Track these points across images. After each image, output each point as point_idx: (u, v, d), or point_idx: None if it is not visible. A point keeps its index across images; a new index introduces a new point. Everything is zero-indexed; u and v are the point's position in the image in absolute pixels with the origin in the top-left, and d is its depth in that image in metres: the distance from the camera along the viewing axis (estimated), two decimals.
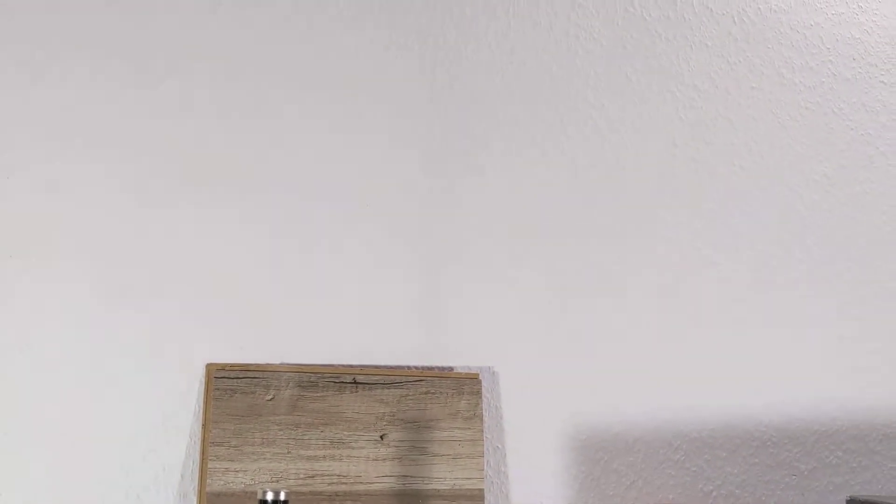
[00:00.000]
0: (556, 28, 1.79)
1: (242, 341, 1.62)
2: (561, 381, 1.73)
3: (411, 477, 1.63)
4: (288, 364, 1.63)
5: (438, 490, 1.63)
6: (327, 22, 1.70)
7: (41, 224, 1.58)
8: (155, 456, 1.57)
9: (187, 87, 1.64)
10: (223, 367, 1.59)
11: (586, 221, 1.78)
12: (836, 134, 1.88)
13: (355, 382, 1.63)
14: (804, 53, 1.88)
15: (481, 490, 1.65)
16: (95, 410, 1.56)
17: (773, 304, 1.83)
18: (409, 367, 1.67)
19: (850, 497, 1.69)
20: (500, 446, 1.71)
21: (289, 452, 1.59)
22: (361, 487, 1.60)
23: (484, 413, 1.69)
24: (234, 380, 1.59)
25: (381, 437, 1.63)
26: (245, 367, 1.60)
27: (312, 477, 1.59)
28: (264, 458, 1.57)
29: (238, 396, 1.58)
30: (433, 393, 1.66)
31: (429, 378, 1.66)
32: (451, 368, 1.69)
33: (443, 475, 1.64)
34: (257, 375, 1.60)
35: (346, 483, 1.60)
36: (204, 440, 1.57)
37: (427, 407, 1.65)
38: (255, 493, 1.54)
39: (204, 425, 1.58)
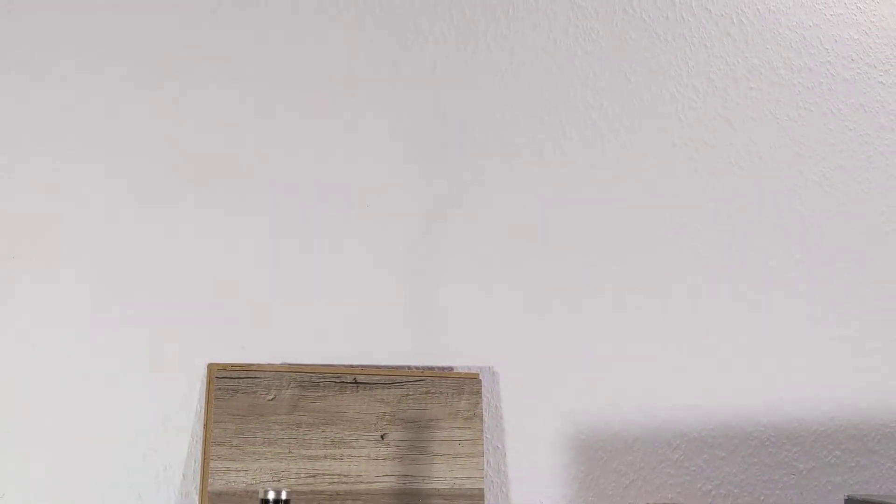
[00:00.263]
0: (555, 29, 1.80)
1: (244, 341, 1.62)
2: (560, 381, 1.74)
3: (411, 476, 1.63)
4: (289, 364, 1.63)
5: (438, 489, 1.63)
6: (327, 22, 1.71)
7: (42, 224, 1.58)
8: (156, 455, 1.58)
9: (187, 87, 1.64)
10: (224, 367, 1.59)
11: (586, 221, 1.78)
12: (835, 134, 1.89)
13: (356, 382, 1.63)
14: (803, 54, 1.89)
15: (481, 489, 1.65)
16: (97, 410, 1.56)
17: (771, 303, 1.83)
18: (409, 367, 1.68)
19: (848, 496, 1.69)
20: (499, 446, 1.71)
21: (290, 452, 1.59)
22: (362, 487, 1.61)
23: (484, 413, 1.70)
24: (236, 380, 1.59)
25: (382, 436, 1.63)
26: (246, 367, 1.60)
27: (313, 476, 1.59)
28: (265, 458, 1.58)
29: (239, 396, 1.58)
30: (433, 393, 1.66)
31: (429, 378, 1.67)
32: (451, 368, 1.69)
33: (443, 475, 1.64)
34: (258, 375, 1.60)
35: (346, 482, 1.60)
36: (205, 440, 1.57)
37: (427, 407, 1.65)
38: (257, 493, 1.54)
39: (205, 425, 1.58)
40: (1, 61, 1.58)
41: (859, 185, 1.89)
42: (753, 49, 1.87)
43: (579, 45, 1.80)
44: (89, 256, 1.59)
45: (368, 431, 1.62)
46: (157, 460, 1.57)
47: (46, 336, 1.56)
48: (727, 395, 1.79)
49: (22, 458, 1.53)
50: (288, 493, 1.32)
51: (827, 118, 1.89)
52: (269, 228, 1.66)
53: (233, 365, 1.60)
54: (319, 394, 1.62)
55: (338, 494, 1.59)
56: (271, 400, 1.60)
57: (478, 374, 1.69)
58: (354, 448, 1.61)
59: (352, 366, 1.65)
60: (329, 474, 1.60)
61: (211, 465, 1.55)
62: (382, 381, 1.64)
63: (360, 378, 1.64)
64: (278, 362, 1.63)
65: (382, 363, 1.67)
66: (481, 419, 1.68)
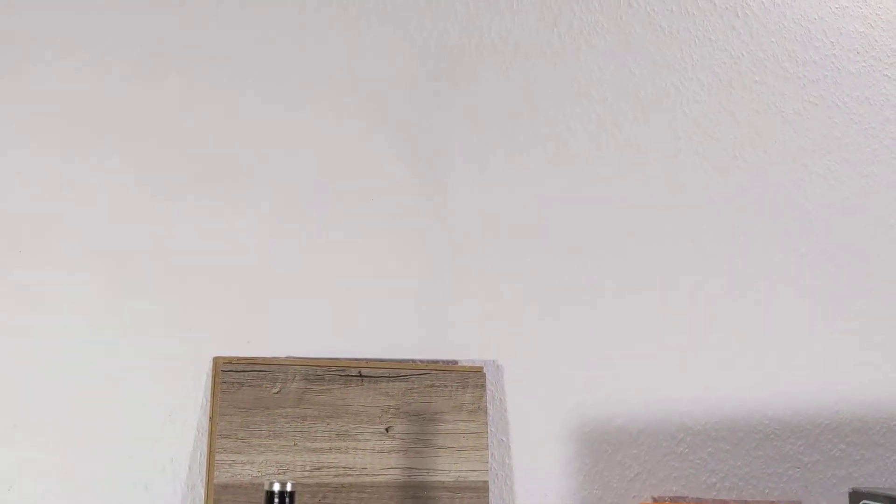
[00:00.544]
0: (559, 23, 1.80)
1: (249, 335, 1.63)
2: (564, 374, 1.74)
3: (416, 469, 1.63)
4: (294, 357, 1.64)
5: (443, 482, 1.64)
6: (330, 20, 1.71)
7: (49, 218, 1.59)
8: (163, 448, 1.58)
9: (193, 81, 1.65)
10: (230, 361, 1.60)
11: (590, 215, 1.78)
12: (840, 128, 1.89)
13: (361, 376, 1.64)
14: (807, 47, 1.88)
15: (486, 482, 1.66)
16: (103, 403, 1.57)
17: (776, 297, 1.83)
18: (413, 361, 1.68)
19: (852, 489, 1.69)
20: (504, 439, 1.71)
21: (295, 445, 1.60)
22: (367, 479, 1.61)
23: (488, 406, 1.70)
24: (241, 373, 1.60)
25: (387, 429, 1.64)
26: (252, 361, 1.61)
27: (319, 469, 1.60)
28: (271, 451, 1.59)
29: (245, 389, 1.59)
30: (438, 386, 1.67)
31: (433, 371, 1.67)
32: (455, 362, 1.70)
33: (447, 467, 1.65)
34: (264, 369, 1.61)
35: (351, 475, 1.61)
36: (211, 432, 1.58)
37: (432, 400, 1.66)
38: (262, 485, 1.55)
39: (211, 418, 1.59)
40: (8, 56, 1.59)
41: (864, 178, 1.89)
42: (758, 42, 1.86)
43: (584, 39, 1.81)
44: (97, 250, 1.60)
45: (373, 424, 1.63)
46: (164, 453, 1.58)
47: (54, 329, 1.57)
48: (732, 388, 1.79)
49: (30, 449, 1.54)
50: (293, 486, 1.33)
51: (832, 111, 1.88)
52: (274, 223, 1.67)
53: (238, 358, 1.61)
54: (325, 387, 1.62)
55: (343, 487, 1.60)
56: (277, 393, 1.60)
57: (482, 368, 1.70)
58: (359, 441, 1.62)
59: (357, 359, 1.66)
60: (334, 467, 1.61)
61: (217, 458, 1.56)
62: (387, 375, 1.65)
63: (365, 371, 1.64)
64: (284, 356, 1.64)
65: (387, 357, 1.67)
66: (486, 412, 1.68)
